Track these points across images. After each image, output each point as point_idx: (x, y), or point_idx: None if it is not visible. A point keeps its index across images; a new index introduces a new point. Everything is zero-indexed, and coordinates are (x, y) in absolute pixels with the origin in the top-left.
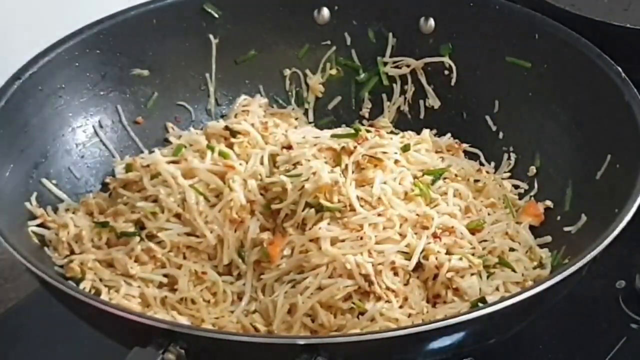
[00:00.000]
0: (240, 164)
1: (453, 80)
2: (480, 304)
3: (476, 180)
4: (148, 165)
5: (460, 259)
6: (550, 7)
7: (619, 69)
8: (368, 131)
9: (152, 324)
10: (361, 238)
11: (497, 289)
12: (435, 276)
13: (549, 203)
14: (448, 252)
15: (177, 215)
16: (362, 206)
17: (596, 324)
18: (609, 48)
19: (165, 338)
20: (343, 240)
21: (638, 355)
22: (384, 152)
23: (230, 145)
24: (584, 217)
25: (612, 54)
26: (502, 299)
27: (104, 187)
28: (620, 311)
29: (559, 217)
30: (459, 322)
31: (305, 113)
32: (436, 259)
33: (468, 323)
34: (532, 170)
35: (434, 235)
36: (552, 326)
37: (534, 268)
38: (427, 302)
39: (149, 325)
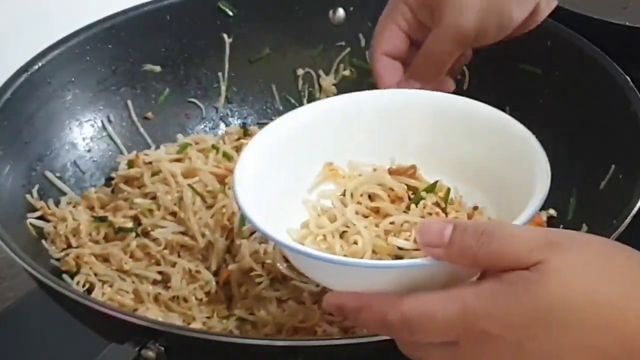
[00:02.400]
0: None
1: (465, 85)
2: None
3: None
4: (151, 162)
5: None
6: None
7: (627, 77)
8: None
9: (128, 319)
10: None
11: None
12: None
13: (552, 212)
14: None
15: (174, 214)
16: None
17: None
18: (607, 47)
19: (143, 335)
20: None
21: None
22: None
23: (239, 147)
24: (584, 227)
25: (610, 52)
26: None
27: (109, 181)
28: None
29: (561, 226)
30: None
31: None
32: None
33: None
34: None
35: None
36: None
37: None
38: None
39: (124, 321)
